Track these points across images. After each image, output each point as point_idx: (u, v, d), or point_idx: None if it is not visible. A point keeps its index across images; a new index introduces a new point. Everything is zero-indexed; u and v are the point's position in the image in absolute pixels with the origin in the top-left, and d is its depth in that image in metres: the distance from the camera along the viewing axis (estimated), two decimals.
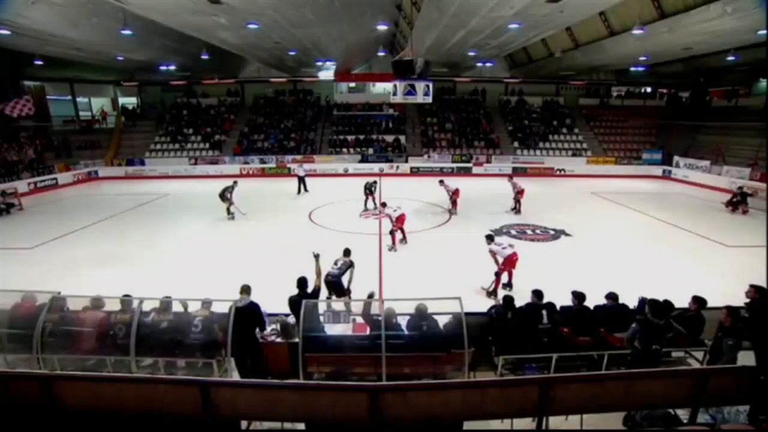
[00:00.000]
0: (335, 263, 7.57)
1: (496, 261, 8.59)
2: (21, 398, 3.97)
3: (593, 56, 20.19)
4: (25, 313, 5.50)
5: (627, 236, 13.08)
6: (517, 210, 15.50)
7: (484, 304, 7.20)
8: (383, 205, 12.49)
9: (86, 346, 5.40)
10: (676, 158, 24.41)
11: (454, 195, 15.36)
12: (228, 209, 14.91)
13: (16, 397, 3.97)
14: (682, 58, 20.82)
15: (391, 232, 11.57)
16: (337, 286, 7.28)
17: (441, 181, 16.17)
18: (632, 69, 25.64)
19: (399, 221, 11.55)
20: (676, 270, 10.03)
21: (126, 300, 5.67)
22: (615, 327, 5.75)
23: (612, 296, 6.13)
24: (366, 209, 15.92)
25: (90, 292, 5.88)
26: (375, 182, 16.92)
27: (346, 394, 3.75)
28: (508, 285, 8.79)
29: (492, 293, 8.56)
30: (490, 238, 9.01)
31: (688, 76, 26.60)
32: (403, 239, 11.89)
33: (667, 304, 5.69)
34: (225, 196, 14.73)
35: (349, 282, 7.54)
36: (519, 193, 15.43)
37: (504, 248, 8.60)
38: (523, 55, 25.93)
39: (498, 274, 8.58)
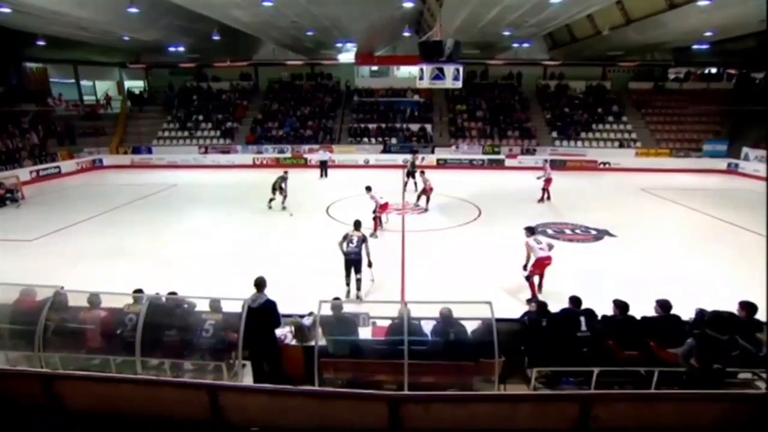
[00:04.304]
0: (350, 240, 8.19)
1: (528, 257, 8.57)
2: (21, 397, 4.13)
3: (648, 33, 19.49)
4: (27, 309, 5.68)
5: (682, 238, 12.70)
6: (542, 199, 15.68)
7: (516, 310, 7.10)
8: (368, 189, 12.83)
9: (90, 344, 5.58)
10: (745, 150, 23.45)
11: (428, 191, 15.32)
12: (271, 201, 15.12)
13: (17, 396, 4.14)
14: (757, 32, 19.65)
15: (375, 218, 12.12)
16: (358, 264, 8.19)
17: (422, 172, 16.22)
18: (694, 47, 24.62)
19: (382, 209, 12.32)
20: (740, 278, 9.62)
21: (137, 297, 5.80)
22: (668, 341, 5.58)
23: (663, 304, 5.88)
24: (405, 200, 16.38)
25: (93, 287, 6.06)
26: (413, 162, 17.82)
27: (365, 403, 3.78)
28: (538, 288, 8.79)
29: (530, 300, 8.49)
30: (530, 230, 8.94)
31: (763, 53, 25.24)
32: (379, 227, 12.41)
33: (731, 316, 5.49)
34: (281, 186, 14.91)
35: (368, 255, 8.30)
36: (546, 182, 15.34)
37: (541, 248, 8.49)
38: (565, 34, 25.31)
39: (528, 279, 8.60)
